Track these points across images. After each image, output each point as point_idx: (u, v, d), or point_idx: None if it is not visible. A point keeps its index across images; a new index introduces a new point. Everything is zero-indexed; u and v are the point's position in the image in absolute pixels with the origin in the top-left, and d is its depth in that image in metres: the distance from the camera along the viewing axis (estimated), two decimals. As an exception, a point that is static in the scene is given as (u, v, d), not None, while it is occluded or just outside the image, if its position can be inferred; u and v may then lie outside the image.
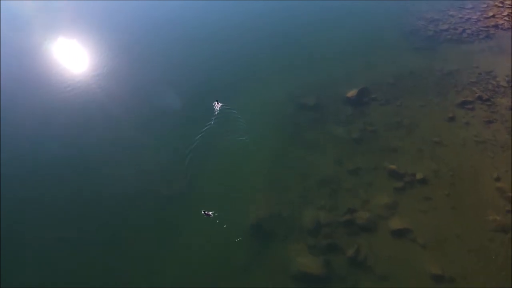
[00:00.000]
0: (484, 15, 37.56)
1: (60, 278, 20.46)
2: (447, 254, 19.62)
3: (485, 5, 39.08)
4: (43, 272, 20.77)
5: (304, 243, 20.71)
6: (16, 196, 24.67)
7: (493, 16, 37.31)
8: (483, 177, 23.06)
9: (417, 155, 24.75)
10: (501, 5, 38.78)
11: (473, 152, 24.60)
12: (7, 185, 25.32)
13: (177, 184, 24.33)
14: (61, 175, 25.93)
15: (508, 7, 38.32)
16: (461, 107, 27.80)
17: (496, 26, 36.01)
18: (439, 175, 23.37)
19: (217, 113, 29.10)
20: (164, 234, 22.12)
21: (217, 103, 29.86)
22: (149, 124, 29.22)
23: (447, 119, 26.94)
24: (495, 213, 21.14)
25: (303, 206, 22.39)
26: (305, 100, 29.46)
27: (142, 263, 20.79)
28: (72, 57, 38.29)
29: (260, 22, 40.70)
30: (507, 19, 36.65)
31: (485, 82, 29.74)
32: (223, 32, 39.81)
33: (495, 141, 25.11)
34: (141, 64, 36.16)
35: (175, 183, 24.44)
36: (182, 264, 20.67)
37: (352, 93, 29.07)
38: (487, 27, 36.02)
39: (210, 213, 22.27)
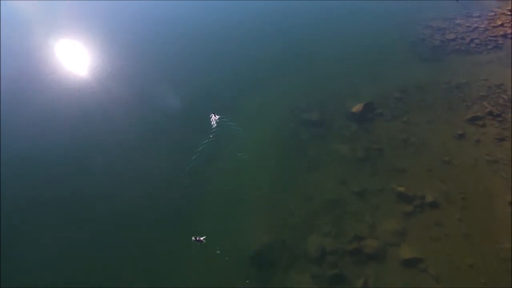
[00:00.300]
0: (492, 24, 36.35)
1: (60, 278, 20.18)
2: (461, 286, 18.41)
3: (492, 13, 37.85)
4: (43, 272, 20.49)
5: (308, 273, 19.53)
6: (16, 196, 24.46)
7: (502, 25, 36.09)
8: (497, 200, 21.83)
9: (426, 175, 23.53)
10: (509, 13, 37.52)
11: (485, 172, 23.37)
12: (7, 185, 25.13)
13: (177, 189, 23.92)
14: (61, 175, 25.64)
15: (517, 15, 37.12)
16: (471, 123, 26.56)
17: (504, 36, 34.78)
18: (450, 198, 22.13)
19: (215, 127, 27.79)
20: (164, 235, 21.68)
21: (214, 115, 28.35)
22: (150, 126, 28.85)
23: (456, 136, 25.70)
24: (510, 241, 19.91)
25: (306, 232, 21.20)
26: (307, 115, 28.30)
27: (142, 263, 20.50)
28: (73, 58, 37.62)
29: (260, 22, 40.08)
30: (516, 28, 35.45)
31: (495, 96, 28.49)
32: (224, 32, 39.24)
33: (508, 160, 23.86)
34: (142, 65, 35.50)
35: (174, 187, 24.03)
36: (181, 266, 20.24)
37: (356, 108, 27.82)
38: (496, 36, 34.80)
39: (202, 238, 21.13)
